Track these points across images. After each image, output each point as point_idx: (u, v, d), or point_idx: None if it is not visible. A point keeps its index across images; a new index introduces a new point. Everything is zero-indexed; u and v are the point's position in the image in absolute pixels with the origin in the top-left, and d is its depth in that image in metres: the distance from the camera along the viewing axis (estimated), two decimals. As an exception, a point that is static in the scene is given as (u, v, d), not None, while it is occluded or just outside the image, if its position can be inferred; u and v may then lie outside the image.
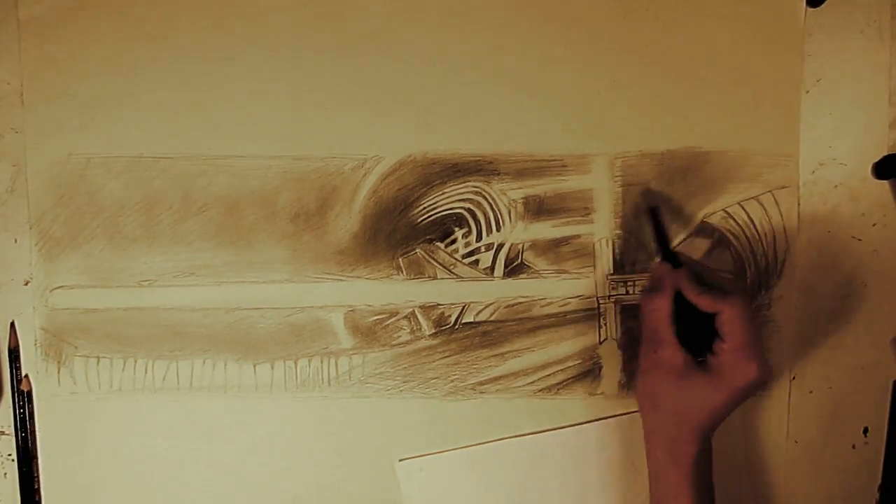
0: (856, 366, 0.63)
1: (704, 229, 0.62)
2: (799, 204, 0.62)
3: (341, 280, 0.61)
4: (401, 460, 0.62)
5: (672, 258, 0.57)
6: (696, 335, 0.54)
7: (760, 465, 0.63)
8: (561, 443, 0.62)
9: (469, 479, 0.62)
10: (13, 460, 0.61)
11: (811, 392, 0.63)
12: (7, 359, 0.61)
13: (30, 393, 0.61)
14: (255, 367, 0.61)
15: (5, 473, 0.62)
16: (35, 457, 0.61)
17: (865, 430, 0.64)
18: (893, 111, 0.61)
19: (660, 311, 0.54)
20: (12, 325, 0.61)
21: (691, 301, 0.54)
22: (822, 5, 0.60)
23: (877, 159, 0.61)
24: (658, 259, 0.59)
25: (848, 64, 0.61)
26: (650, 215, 0.60)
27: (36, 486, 0.61)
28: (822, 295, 0.63)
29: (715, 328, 0.53)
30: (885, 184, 0.62)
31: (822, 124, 0.61)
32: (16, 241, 0.61)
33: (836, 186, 0.62)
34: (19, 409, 0.61)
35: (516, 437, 0.62)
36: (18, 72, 0.60)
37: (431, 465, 0.62)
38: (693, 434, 0.53)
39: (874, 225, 0.62)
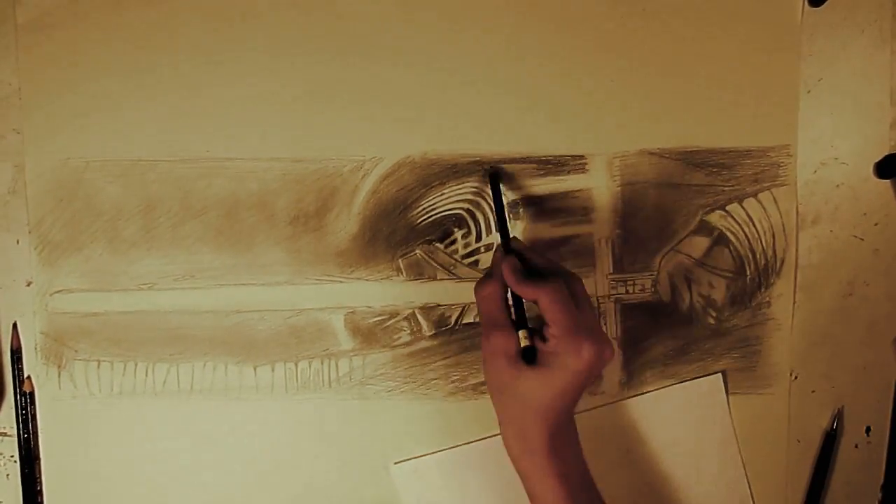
0: (858, 365, 0.63)
1: (703, 228, 0.62)
2: (798, 202, 0.61)
3: (341, 282, 0.61)
4: (395, 463, 0.62)
5: (506, 244, 0.55)
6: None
7: (762, 464, 0.63)
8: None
9: (465, 476, 0.62)
10: (15, 461, 0.62)
11: (813, 391, 0.63)
12: (9, 360, 0.61)
13: (32, 394, 0.61)
14: (255, 369, 0.61)
15: (8, 475, 0.62)
16: (38, 458, 0.61)
17: (868, 430, 0.64)
18: (895, 111, 0.61)
19: (490, 297, 0.52)
20: (14, 325, 0.61)
21: (513, 291, 0.52)
22: (824, 5, 0.60)
23: (878, 159, 0.61)
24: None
25: (849, 63, 0.61)
26: (494, 199, 0.57)
27: (38, 488, 0.61)
28: (824, 294, 0.63)
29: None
30: (886, 183, 0.62)
31: (823, 124, 0.61)
32: (17, 242, 0.61)
33: (837, 186, 0.62)
34: (22, 411, 0.61)
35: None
36: (18, 72, 0.59)
37: (426, 465, 0.62)
38: (540, 422, 0.50)
39: (876, 224, 0.62)
